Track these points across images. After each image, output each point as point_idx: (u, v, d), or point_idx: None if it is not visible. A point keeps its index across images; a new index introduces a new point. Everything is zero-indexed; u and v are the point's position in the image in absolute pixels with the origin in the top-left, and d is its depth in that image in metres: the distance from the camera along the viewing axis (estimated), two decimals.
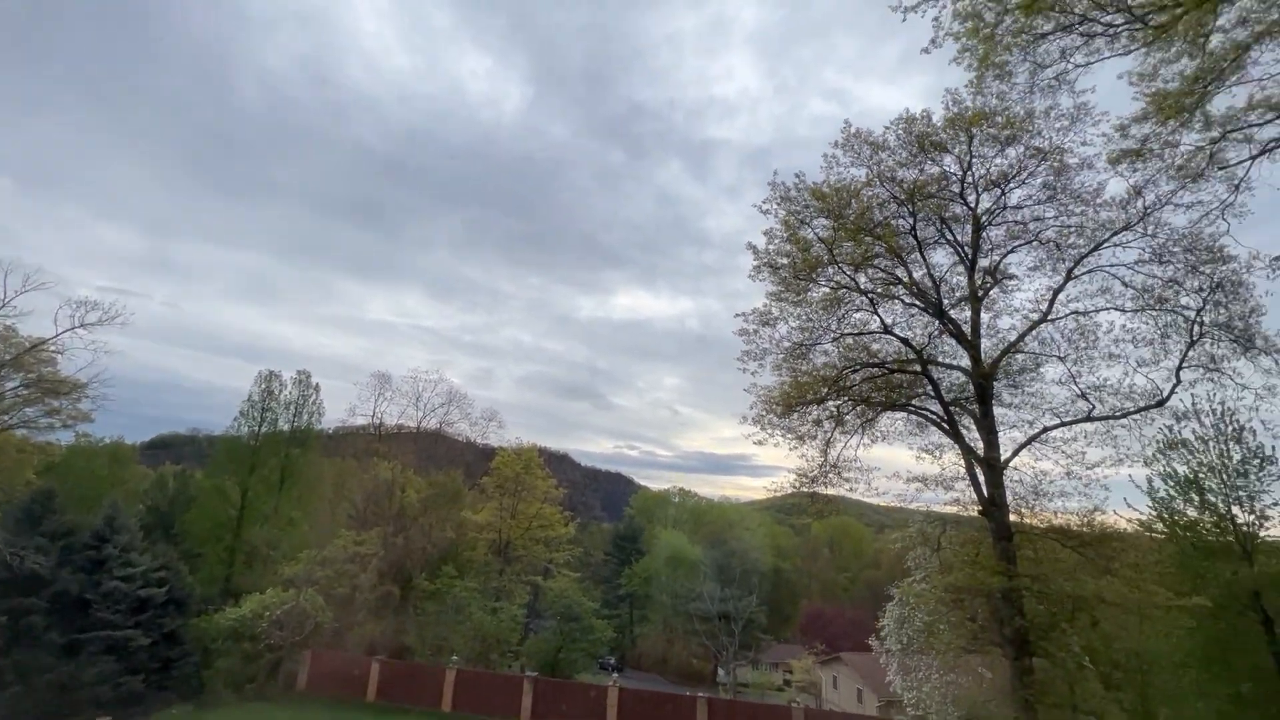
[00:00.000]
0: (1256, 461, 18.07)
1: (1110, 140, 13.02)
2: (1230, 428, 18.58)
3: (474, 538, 42.91)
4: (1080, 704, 16.96)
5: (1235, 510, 18.20)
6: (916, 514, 20.42)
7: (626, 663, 64.66)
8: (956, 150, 17.59)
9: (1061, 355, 18.05)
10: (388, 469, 40.58)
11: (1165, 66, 10.91)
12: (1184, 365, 16.20)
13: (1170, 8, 9.59)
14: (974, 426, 18.19)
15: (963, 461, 18.06)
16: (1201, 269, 15.85)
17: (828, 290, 19.05)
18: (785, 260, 18.89)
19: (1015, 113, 16.33)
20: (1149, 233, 16.40)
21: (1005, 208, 18.23)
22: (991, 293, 18.85)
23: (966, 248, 18.61)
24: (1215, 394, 17.36)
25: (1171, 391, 16.42)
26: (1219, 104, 11.12)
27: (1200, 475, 18.85)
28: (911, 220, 18.32)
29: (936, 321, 18.92)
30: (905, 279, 18.83)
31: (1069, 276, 17.61)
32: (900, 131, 17.61)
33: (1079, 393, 17.66)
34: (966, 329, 18.49)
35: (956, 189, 18.15)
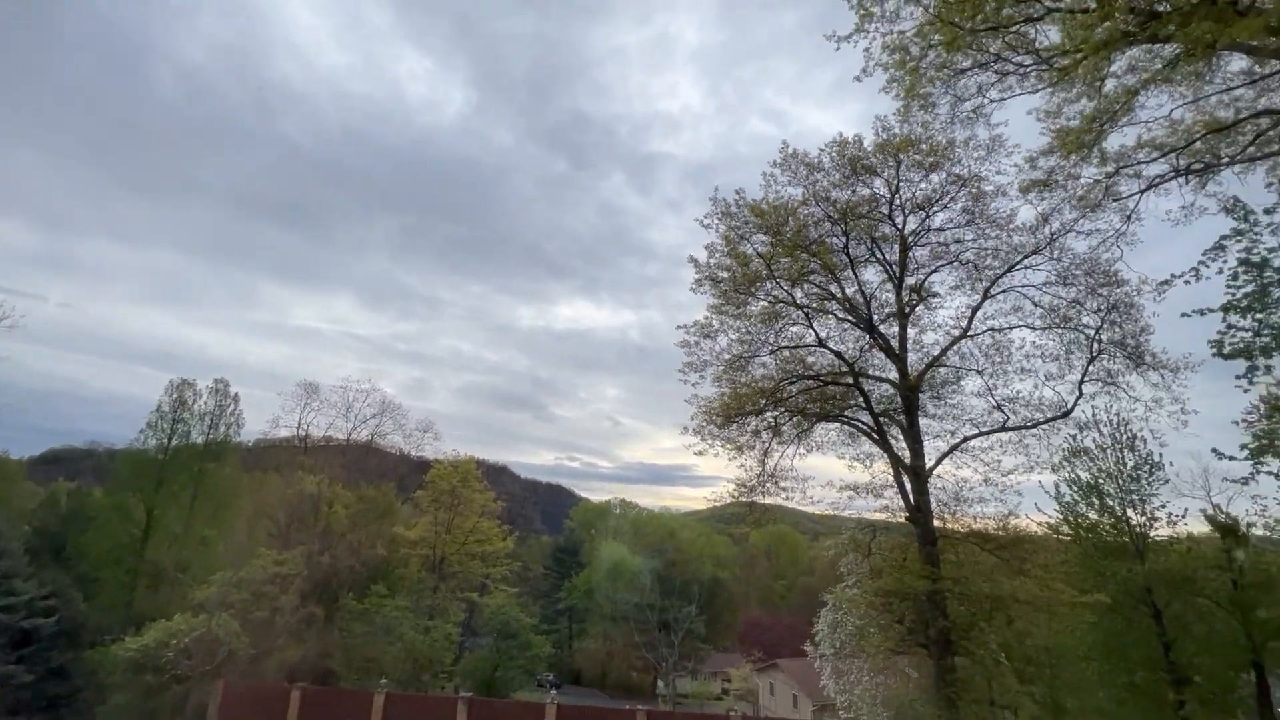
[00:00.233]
0: (1147, 468, 19.75)
1: (1021, 170, 14.11)
2: (1124, 437, 20.26)
3: (406, 554, 41.26)
4: (997, 699, 17.92)
5: (1130, 513, 19.82)
6: (849, 521, 21.18)
7: (566, 679, 63.57)
8: (885, 174, 18.56)
9: (980, 369, 19.26)
10: (313, 483, 38.46)
11: (1068, 105, 11.94)
12: (1085, 379, 17.60)
13: (1071, 52, 10.50)
14: (901, 436, 19.08)
15: (891, 470, 18.89)
16: (1099, 291, 17.32)
17: (766, 304, 19.60)
18: (726, 274, 19.33)
19: (938, 141, 17.41)
20: (1055, 256, 17.81)
21: (929, 230, 19.35)
22: (917, 309, 19.90)
23: (894, 266, 19.59)
24: (1112, 406, 18.94)
25: (1075, 403, 17.81)
26: (1113, 142, 12.25)
27: (1100, 481, 20.42)
28: (844, 239, 19.14)
29: (867, 336, 19.79)
30: (838, 295, 19.62)
31: (986, 295, 18.84)
32: (834, 154, 18.43)
33: (995, 404, 18.87)
34: (895, 343, 19.42)
35: (885, 210, 19.12)
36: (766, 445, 19.78)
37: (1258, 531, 17.29)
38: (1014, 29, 10.89)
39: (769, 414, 19.66)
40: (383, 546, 38.63)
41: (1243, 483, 11.93)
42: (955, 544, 18.10)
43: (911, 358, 19.53)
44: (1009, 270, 18.48)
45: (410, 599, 37.15)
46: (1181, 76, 11.20)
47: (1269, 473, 10.71)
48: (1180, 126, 11.93)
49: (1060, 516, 21.04)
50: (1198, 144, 11.83)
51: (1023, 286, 18.54)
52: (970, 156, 17.69)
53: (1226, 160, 11.85)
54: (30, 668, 23.89)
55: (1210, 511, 18.60)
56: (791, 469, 19.87)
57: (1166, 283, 12.11)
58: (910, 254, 19.51)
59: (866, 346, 20.12)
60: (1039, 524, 20.20)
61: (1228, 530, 17.68)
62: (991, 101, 12.27)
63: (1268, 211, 9.70)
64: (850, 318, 19.76)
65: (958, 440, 19.05)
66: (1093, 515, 20.41)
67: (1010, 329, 18.90)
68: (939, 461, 18.74)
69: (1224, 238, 10.00)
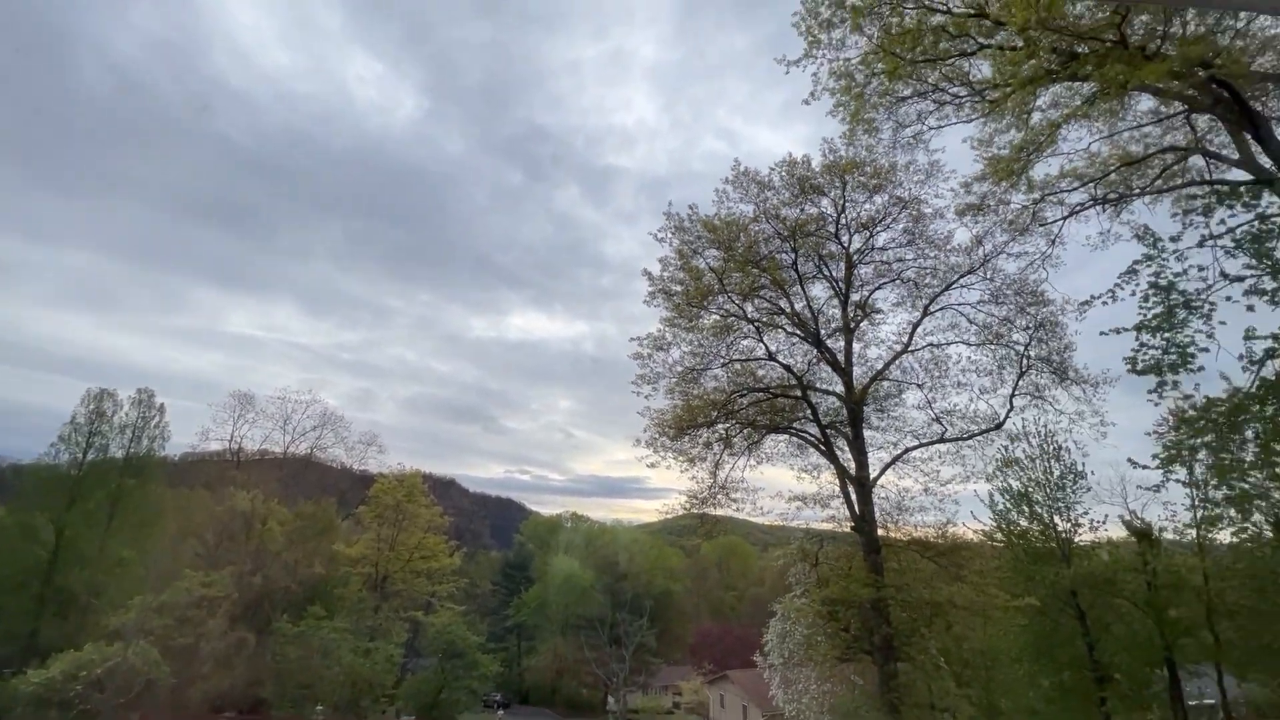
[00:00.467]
0: (1071, 477, 20.89)
1: (957, 194, 14.90)
2: (1051, 447, 21.41)
3: (347, 572, 39.48)
4: (937, 702, 18.51)
5: (1056, 519, 20.90)
6: (797, 532, 21.60)
7: (514, 698, 61.96)
8: (832, 194, 19.25)
9: (920, 383, 20.11)
10: (246, 499, 36.43)
11: (998, 135, 12.71)
12: (1016, 393, 18.62)
13: (1001, 86, 11.20)
14: (847, 448, 19.66)
15: (838, 481, 19.43)
16: (1028, 310, 18.40)
17: (718, 317, 19.93)
18: (679, 287, 19.56)
19: (881, 164, 18.20)
20: (988, 277, 18.85)
21: (873, 248, 20.16)
22: (862, 325, 20.63)
23: (841, 283, 20.28)
24: (1040, 418, 20.01)
25: (1006, 416, 18.79)
26: (1039, 171, 13.10)
27: (1029, 489, 21.47)
28: (793, 255, 19.70)
29: (815, 350, 20.36)
30: (788, 310, 20.14)
31: (925, 312, 19.72)
32: (784, 173, 19.00)
33: (934, 416, 19.71)
34: (841, 358, 20.05)
35: (832, 229, 19.80)
36: (718, 457, 20.02)
37: (1168, 536, 18.54)
38: (950, 61, 11.54)
39: (720, 426, 19.92)
40: (321, 565, 36.86)
41: (1155, 490, 12.82)
42: (898, 552, 18.71)
43: (857, 371, 20.21)
44: (946, 289, 19.41)
45: (350, 620, 35.50)
46: (1098, 113, 12.11)
47: (1178, 481, 11.54)
48: (1098, 159, 12.88)
49: (994, 524, 21.97)
50: (1113, 175, 12.78)
51: (959, 304, 19.52)
52: (911, 180, 18.59)
53: (1138, 191, 12.85)
54: None
55: (1127, 517, 19.84)
56: (742, 480, 20.20)
57: (1087, 303, 12.96)
58: (855, 271, 20.24)
59: (814, 360, 20.70)
60: (975, 531, 21.06)
61: (1143, 535, 18.87)
62: (930, 129, 12.95)
63: (1173, 239, 10.53)
64: (799, 332, 20.29)
65: (900, 451, 19.79)
66: (1023, 522, 21.40)
67: (948, 345, 19.85)
68: (882, 472, 19.39)
69: (1136, 263, 10.79)
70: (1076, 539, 20.54)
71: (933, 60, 11.49)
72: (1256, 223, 9.93)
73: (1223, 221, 10.11)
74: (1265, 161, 10.49)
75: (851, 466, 19.14)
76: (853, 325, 20.20)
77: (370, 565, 40.85)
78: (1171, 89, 10.67)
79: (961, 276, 19.09)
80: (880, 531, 18.76)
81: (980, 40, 10.96)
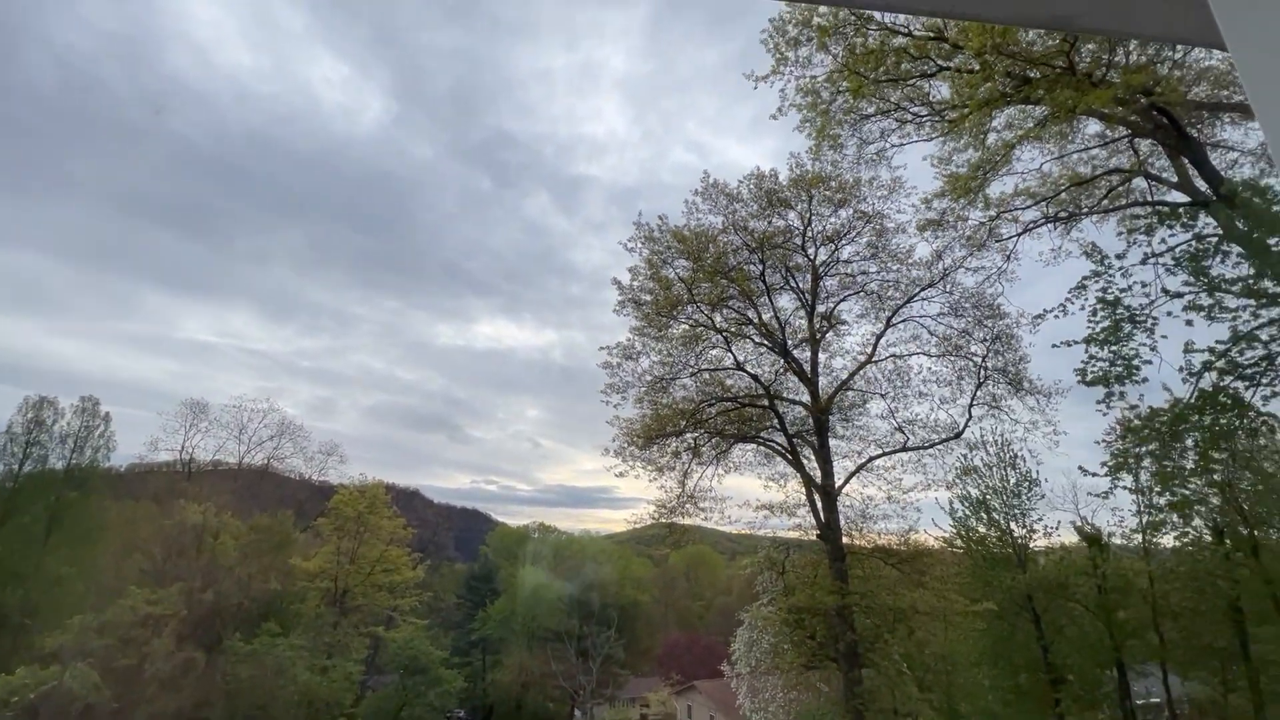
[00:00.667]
0: (1026, 484, 21.65)
1: (918, 210, 15.37)
2: (1007, 456, 22.15)
3: (304, 587, 38.12)
4: (900, 708, 18.81)
5: (1013, 526, 21.60)
6: (764, 540, 21.76)
7: (478, 714, 60.59)
8: (799, 207, 19.63)
9: (883, 393, 20.57)
10: (197, 512, 34.95)
11: (957, 154, 13.18)
12: (974, 403, 19.20)
13: (959, 107, 11.63)
14: (813, 457, 19.95)
15: (804, 489, 19.68)
16: (985, 322, 19.03)
17: (687, 327, 20.06)
18: (648, 297, 19.64)
19: (846, 179, 18.66)
20: (947, 290, 19.44)
21: (838, 261, 20.60)
22: (827, 336, 21.03)
23: (807, 294, 20.66)
24: (997, 427, 20.72)
25: (965, 425, 19.36)
26: (995, 189, 13.63)
27: (987, 497, 22.14)
28: (761, 266, 20.00)
29: (782, 360, 20.66)
30: (755, 320, 20.41)
31: (888, 324, 20.22)
32: (752, 186, 19.31)
33: (897, 426, 20.16)
34: (807, 368, 20.39)
35: (799, 241, 20.18)
36: (686, 466, 20.08)
37: (1117, 541, 19.32)
38: (911, 82, 11.93)
39: (689, 435, 20.01)
40: (277, 580, 35.56)
41: (1103, 496, 13.37)
42: (862, 559, 19.02)
43: (822, 381, 20.56)
44: (908, 301, 19.95)
45: (307, 636, 34.27)
46: (1049, 135, 12.68)
47: (1124, 487, 12.04)
48: (1049, 179, 13.47)
49: (954, 531, 22.59)
50: (1063, 195, 13.38)
51: (920, 317, 20.07)
52: (874, 195, 19.08)
53: (1086, 210, 13.48)
54: None
55: (1079, 523, 20.61)
56: (710, 489, 20.28)
57: (1040, 317, 13.52)
58: (821, 283, 20.65)
59: (781, 370, 20.99)
60: (936, 538, 21.59)
61: (1093, 540, 19.62)
62: (892, 146, 13.36)
63: (1119, 257, 11.07)
64: (766, 342, 20.57)
65: (864, 460, 20.16)
66: (981, 529, 22.04)
67: (909, 356, 20.37)
68: (847, 480, 19.72)
69: (1085, 279, 11.31)
70: (1031, 545, 21.20)
71: (895, 80, 11.88)
72: (1194, 242, 10.50)
73: (1164, 240, 10.67)
74: (1201, 185, 11.12)
75: (817, 475, 19.42)
76: (819, 336, 20.57)
77: (329, 579, 39.53)
78: (1116, 114, 11.25)
79: (922, 289, 19.66)
80: (845, 539, 19.05)
81: (940, 62, 11.38)
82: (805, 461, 20.08)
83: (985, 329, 19.01)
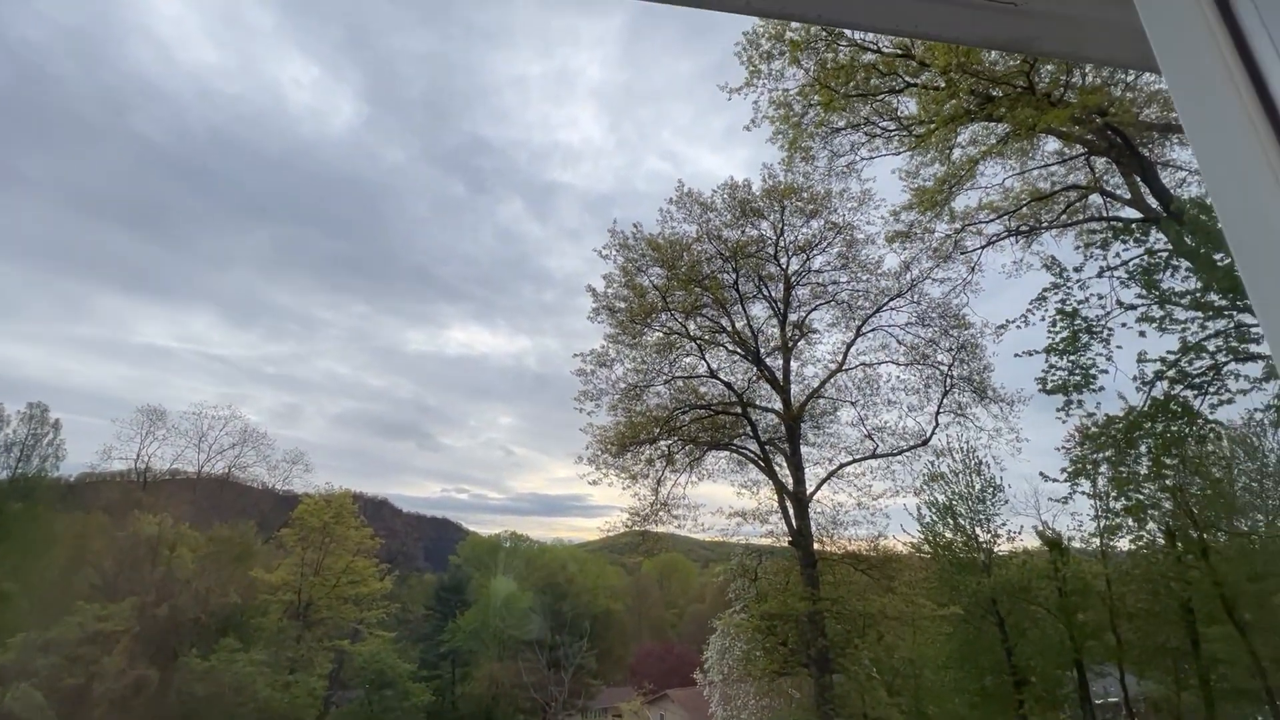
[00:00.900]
0: (991, 490, 22.19)
1: (887, 222, 15.75)
2: (973, 462, 22.68)
3: (266, 600, 36.90)
4: (870, 712, 19.02)
5: (978, 531, 22.10)
6: (737, 547, 21.85)
7: None
8: (771, 218, 19.92)
9: (853, 401, 20.90)
10: (152, 523, 33.63)
11: (924, 168, 13.54)
12: (941, 411, 19.66)
13: (926, 123, 11.97)
14: (785, 464, 20.14)
15: (776, 496, 19.84)
16: (951, 332, 19.53)
17: (661, 334, 20.14)
18: (623, 304, 19.68)
19: (818, 191, 19.01)
20: (915, 300, 19.90)
21: (810, 271, 20.93)
22: (799, 344, 21.32)
23: (779, 303, 20.93)
24: (962, 434, 21.22)
25: (932, 432, 19.80)
26: (960, 203, 14.04)
27: (953, 502, 22.62)
28: (734, 275, 20.20)
29: (755, 368, 20.86)
30: (729, 328, 20.59)
31: (858, 333, 20.60)
32: (726, 195, 19.53)
33: (867, 433, 20.51)
34: (780, 376, 20.62)
35: (772, 251, 20.45)
36: (660, 473, 20.09)
37: (1076, 544, 19.92)
38: (880, 97, 12.24)
39: (663, 442, 20.03)
40: (237, 593, 34.37)
41: (1063, 501, 13.79)
42: (833, 565, 19.23)
43: (794, 389, 20.81)
44: (877, 311, 20.37)
45: (268, 651, 33.16)
46: (1011, 152, 13.13)
47: (1083, 493, 12.44)
48: (1011, 193, 13.93)
49: (921, 536, 23.00)
50: (1024, 209, 13.84)
51: (889, 326, 20.50)
52: (845, 206, 19.47)
53: (1046, 224, 13.97)
54: None
55: (1040, 528, 21.18)
56: (683, 497, 20.33)
57: (1003, 327, 13.96)
58: (793, 292, 20.94)
59: (754, 378, 21.19)
60: (904, 544, 21.96)
61: (1054, 544, 20.18)
62: (862, 159, 13.66)
63: (1076, 270, 11.49)
64: (740, 350, 20.75)
65: (835, 467, 20.45)
66: (948, 534, 22.48)
67: (879, 364, 20.77)
68: (818, 487, 19.96)
69: (1045, 290, 11.70)
70: (996, 549, 21.69)
71: (864, 95, 12.18)
72: (1146, 257, 10.95)
73: (1118, 255, 11.11)
74: (1153, 202, 11.62)
75: (789, 482, 19.61)
76: (791, 344, 20.84)
77: (292, 592, 38.35)
78: (1073, 133, 11.71)
79: (891, 300, 20.09)
80: (816, 545, 19.25)
81: (907, 79, 11.70)
82: (777, 468, 20.27)
83: (951, 338, 19.52)
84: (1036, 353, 11.93)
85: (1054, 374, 11.72)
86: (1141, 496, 14.60)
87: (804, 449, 20.39)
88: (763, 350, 20.90)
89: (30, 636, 26.56)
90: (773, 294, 21.04)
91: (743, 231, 20.05)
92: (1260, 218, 0.66)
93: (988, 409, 19.26)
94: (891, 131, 12.99)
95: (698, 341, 20.41)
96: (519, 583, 67.05)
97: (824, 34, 11.25)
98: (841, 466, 20.37)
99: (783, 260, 20.66)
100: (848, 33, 11.15)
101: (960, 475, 22.68)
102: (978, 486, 22.36)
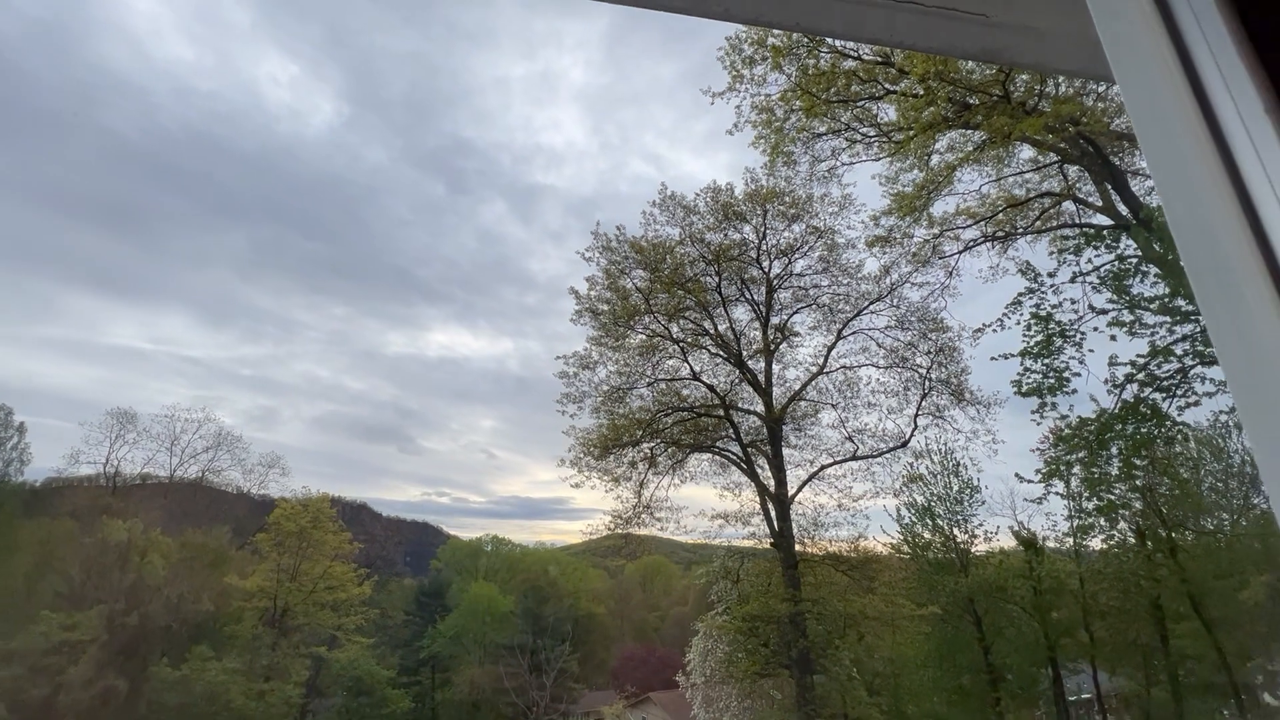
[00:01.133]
0: (968, 491, 22.55)
1: (867, 227, 15.94)
2: (950, 464, 23.03)
3: (240, 607, 36.13)
4: (850, 712, 19.19)
5: (956, 531, 22.44)
6: (720, 549, 21.92)
7: None
8: (754, 221, 20.07)
9: (834, 403, 21.11)
10: (121, 529, 32.80)
11: (903, 174, 13.74)
12: (919, 413, 19.93)
13: (905, 129, 12.15)
14: (767, 466, 20.27)
15: (758, 498, 19.95)
16: (929, 336, 19.81)
17: (644, 337, 20.17)
18: (606, 307, 19.67)
19: (799, 195, 19.20)
20: (894, 304, 20.17)
21: (791, 274, 21.12)
22: (781, 347, 21.48)
23: (761, 306, 21.08)
24: (940, 436, 21.53)
25: (911, 434, 20.06)
26: (938, 208, 14.27)
27: (932, 504, 22.95)
28: (717, 278, 20.31)
29: (737, 370, 20.98)
30: (711, 331, 20.68)
31: (839, 336, 20.82)
32: (709, 199, 19.64)
33: (847, 435, 20.72)
34: (762, 378, 20.76)
35: (754, 254, 20.61)
36: (643, 476, 20.09)
37: (1050, 544, 20.32)
38: (860, 103, 12.41)
39: (645, 445, 20.04)
40: (210, 600, 33.65)
41: (1038, 502, 14.05)
42: (814, 566, 19.38)
43: (776, 392, 20.96)
44: (857, 314, 20.60)
45: (242, 659, 32.49)
46: (988, 159, 13.39)
47: (1057, 494, 12.69)
48: (988, 199, 14.20)
49: (901, 537, 23.29)
50: (1000, 215, 14.11)
51: (869, 329, 20.75)
52: (826, 211, 19.69)
53: (1021, 230, 14.25)
54: None
55: (1016, 528, 21.57)
56: (666, 499, 20.36)
57: (979, 331, 14.21)
58: (775, 295, 21.11)
59: (737, 380, 21.30)
60: (884, 545, 22.21)
61: (1029, 544, 20.56)
62: (843, 164, 13.83)
63: (1050, 275, 11.75)
64: (722, 353, 20.85)
65: (816, 469, 20.62)
66: (927, 535, 22.79)
67: (859, 367, 21.01)
68: (800, 489, 20.10)
69: (1020, 295, 11.94)
70: (973, 549, 22.03)
71: (845, 101, 12.34)
72: (1116, 262, 11.23)
73: (1090, 260, 11.38)
74: (1123, 209, 11.93)
75: (771, 484, 19.73)
76: (773, 347, 20.99)
77: (268, 598, 37.61)
78: (1047, 141, 11.98)
79: (871, 303, 20.34)
80: (798, 547, 19.39)
81: (887, 86, 11.88)
82: (760, 470, 20.39)
83: (929, 342, 19.80)
84: (1012, 356, 12.18)
85: (1029, 377, 11.96)
86: (1113, 497, 14.95)
87: (785, 451, 20.55)
88: (745, 353, 21.03)
89: None
90: (755, 297, 21.20)
91: (725, 235, 20.19)
92: (1203, 225, 0.69)
93: (965, 411, 19.58)
94: (871, 137, 13.18)
95: (680, 344, 20.48)
96: (500, 587, 66.50)
97: (805, 40, 11.39)
98: (823, 468, 20.57)
99: (765, 263, 20.83)
100: (828, 40, 11.30)
101: (938, 477, 23.01)
102: (955, 488, 22.70)
